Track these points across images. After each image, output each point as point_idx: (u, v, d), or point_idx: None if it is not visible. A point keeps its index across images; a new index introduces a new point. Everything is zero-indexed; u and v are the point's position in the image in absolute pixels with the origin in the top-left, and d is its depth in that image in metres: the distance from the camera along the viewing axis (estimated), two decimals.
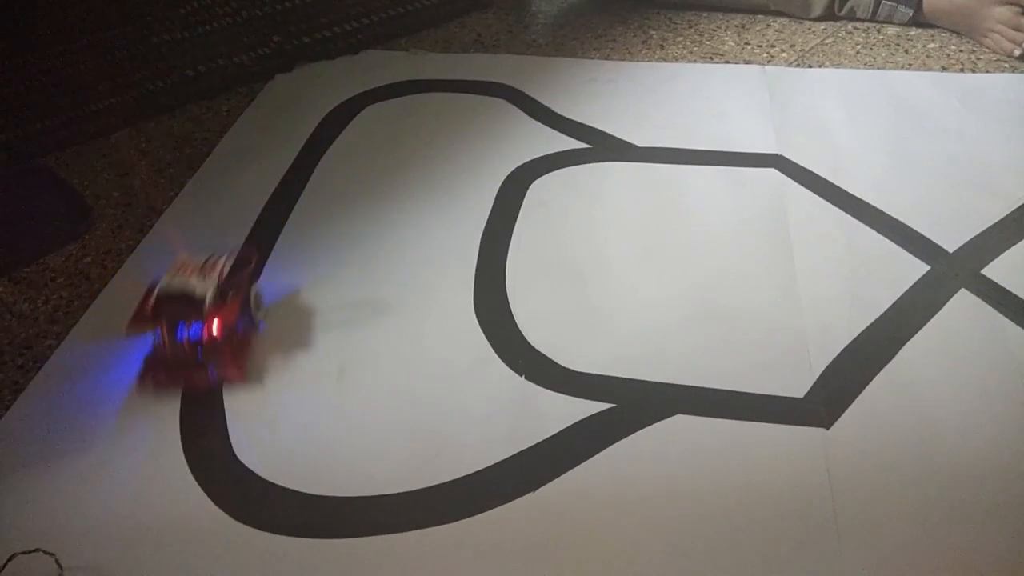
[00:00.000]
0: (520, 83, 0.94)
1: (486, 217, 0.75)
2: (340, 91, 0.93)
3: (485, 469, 0.54)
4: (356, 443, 0.56)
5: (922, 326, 0.62)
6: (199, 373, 0.59)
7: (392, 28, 1.05)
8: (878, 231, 0.71)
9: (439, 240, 0.73)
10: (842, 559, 0.48)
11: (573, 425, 0.57)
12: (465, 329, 0.64)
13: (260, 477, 0.54)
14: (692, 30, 1.04)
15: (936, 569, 0.47)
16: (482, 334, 0.64)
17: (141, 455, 0.56)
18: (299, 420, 0.58)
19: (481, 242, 0.72)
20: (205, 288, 0.58)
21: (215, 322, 0.58)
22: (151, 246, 0.73)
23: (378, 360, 0.62)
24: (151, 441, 0.56)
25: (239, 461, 0.55)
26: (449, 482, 0.53)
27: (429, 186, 0.79)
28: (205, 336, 0.58)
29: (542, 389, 0.60)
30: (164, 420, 0.58)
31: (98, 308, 0.68)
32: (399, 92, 0.93)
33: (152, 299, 0.59)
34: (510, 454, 0.55)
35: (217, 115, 0.91)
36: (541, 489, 0.53)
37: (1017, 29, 0.92)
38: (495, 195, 0.78)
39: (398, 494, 0.53)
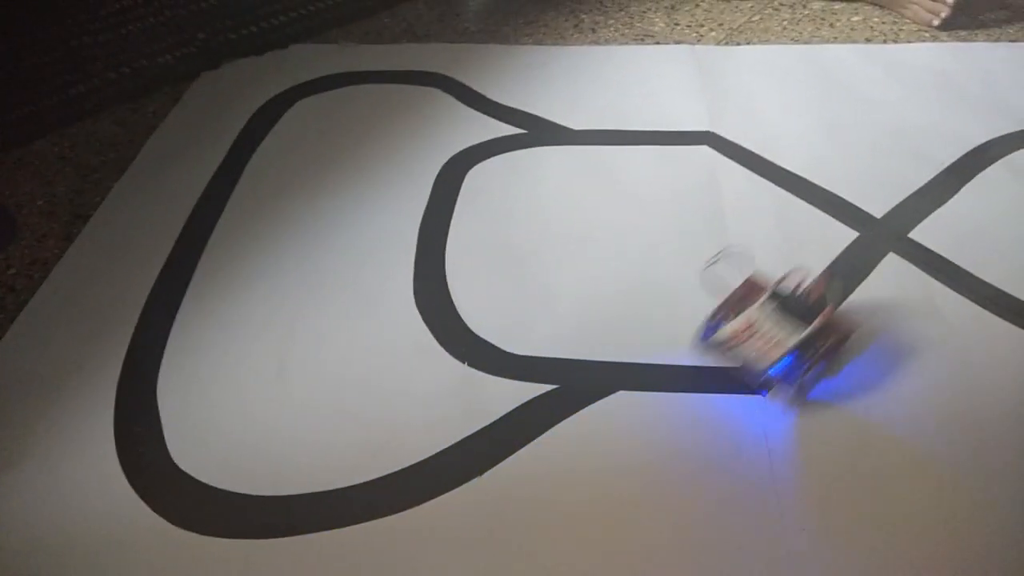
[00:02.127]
0: (453, 71, 0.93)
1: (424, 206, 0.74)
2: (270, 87, 0.91)
3: (430, 457, 0.54)
4: (298, 440, 0.55)
5: (853, 290, 0.63)
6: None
7: (321, 21, 1.03)
8: (808, 201, 0.72)
9: (377, 231, 0.72)
10: (782, 520, 0.49)
11: (517, 408, 0.57)
12: (405, 317, 0.64)
13: (200, 481, 0.53)
14: (623, 13, 1.04)
15: (870, 522, 0.49)
16: (423, 323, 0.63)
17: (74, 466, 0.54)
18: (238, 421, 0.57)
19: (420, 231, 0.72)
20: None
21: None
22: (79, 254, 0.71)
23: (318, 355, 0.61)
24: (84, 451, 0.55)
25: (177, 466, 0.54)
26: (394, 473, 0.53)
27: (365, 178, 0.78)
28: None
29: (485, 374, 0.59)
30: (97, 430, 0.56)
31: (25, 320, 0.65)
32: (331, 85, 0.92)
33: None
34: (455, 441, 0.55)
35: (143, 117, 0.89)
36: (487, 473, 0.53)
37: (935, 0, 0.95)
38: (432, 184, 0.77)
39: (343, 488, 0.52)
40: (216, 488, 0.52)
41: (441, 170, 0.79)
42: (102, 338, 0.63)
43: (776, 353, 0.53)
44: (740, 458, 0.53)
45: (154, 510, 0.51)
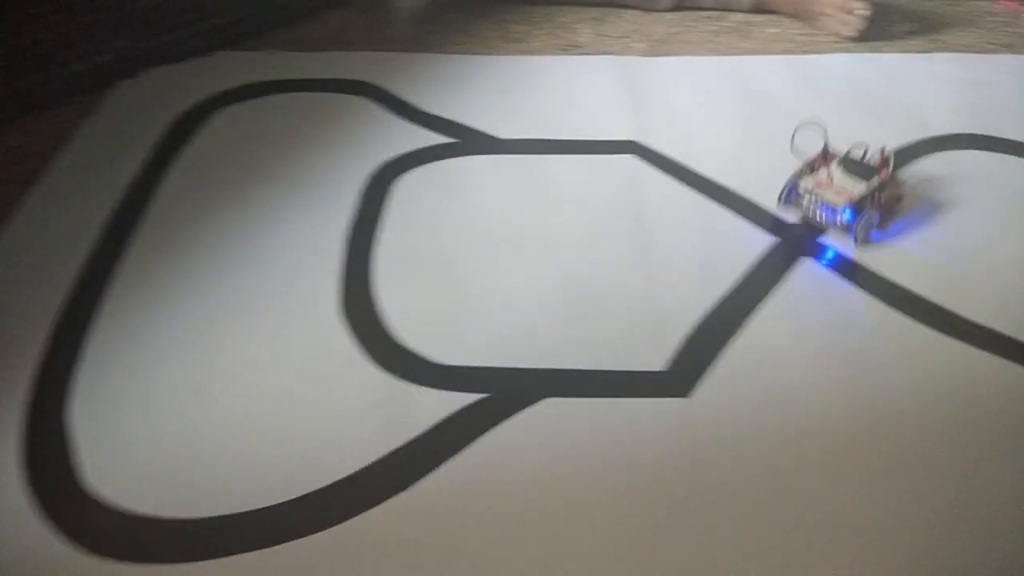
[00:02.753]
0: (381, 80, 0.92)
1: (351, 217, 0.74)
2: (190, 95, 0.89)
3: (356, 472, 0.53)
4: (218, 461, 0.54)
5: (770, 294, 0.65)
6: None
7: (244, 28, 1.01)
8: (728, 207, 0.74)
9: (301, 243, 0.71)
10: (706, 519, 0.50)
11: (445, 419, 0.57)
12: (331, 331, 0.63)
13: (115, 505, 0.51)
14: (550, 23, 1.05)
15: (793, 525, 0.50)
16: (350, 336, 0.62)
17: None
18: (155, 442, 0.55)
19: (346, 242, 0.71)
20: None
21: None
22: None
23: (240, 372, 0.60)
24: None
25: (90, 490, 0.52)
26: (319, 489, 0.52)
27: (289, 188, 0.77)
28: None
29: (415, 386, 0.59)
30: (2, 452, 0.53)
31: None
32: (254, 94, 0.90)
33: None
34: (383, 454, 0.54)
35: (55, 127, 0.85)
36: (415, 485, 0.52)
37: (847, 12, 0.99)
38: (360, 194, 0.76)
39: (266, 508, 0.51)
40: (132, 512, 0.50)
41: (369, 180, 0.78)
42: (9, 356, 0.60)
43: (843, 200, 0.68)
44: (666, 463, 0.53)
45: (65, 537, 0.49)
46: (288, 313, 0.64)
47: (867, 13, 0.98)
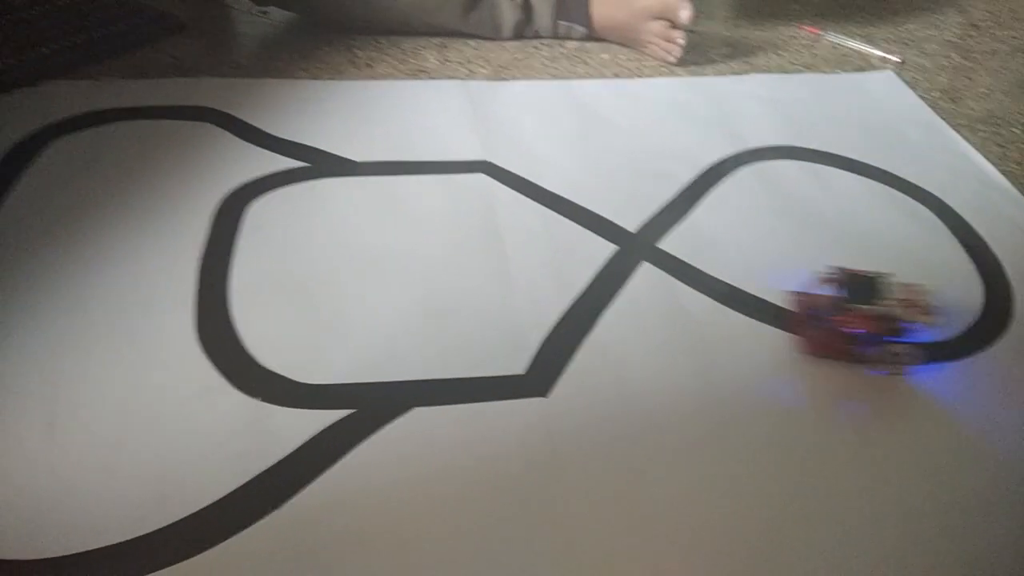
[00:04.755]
0: (226, 106, 0.91)
1: (203, 243, 0.72)
2: (19, 127, 0.84)
3: (223, 498, 0.53)
4: (74, 499, 0.52)
5: (615, 297, 0.70)
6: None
7: (75, 56, 0.97)
8: (573, 220, 0.79)
9: (151, 273, 0.69)
10: (566, 512, 0.54)
11: (312, 437, 0.57)
12: (188, 359, 0.62)
13: None
14: (396, 49, 1.08)
15: (650, 513, 0.54)
16: (208, 362, 0.62)
17: None
18: (3, 486, 0.52)
19: (199, 269, 0.70)
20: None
21: None
22: None
23: (92, 406, 0.57)
24: None
25: None
26: (182, 519, 0.51)
27: (134, 219, 0.74)
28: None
29: (279, 408, 0.59)
30: None
31: None
32: (91, 123, 0.86)
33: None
34: (249, 478, 0.54)
35: None
36: (285, 505, 0.53)
37: (669, 40, 1.08)
38: (210, 220, 0.75)
39: (125, 542, 0.50)
40: None
41: (219, 206, 0.77)
42: None
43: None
44: (528, 460, 0.57)
45: None
46: (142, 343, 0.62)
47: (684, 42, 1.07)
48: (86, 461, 0.54)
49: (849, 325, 0.64)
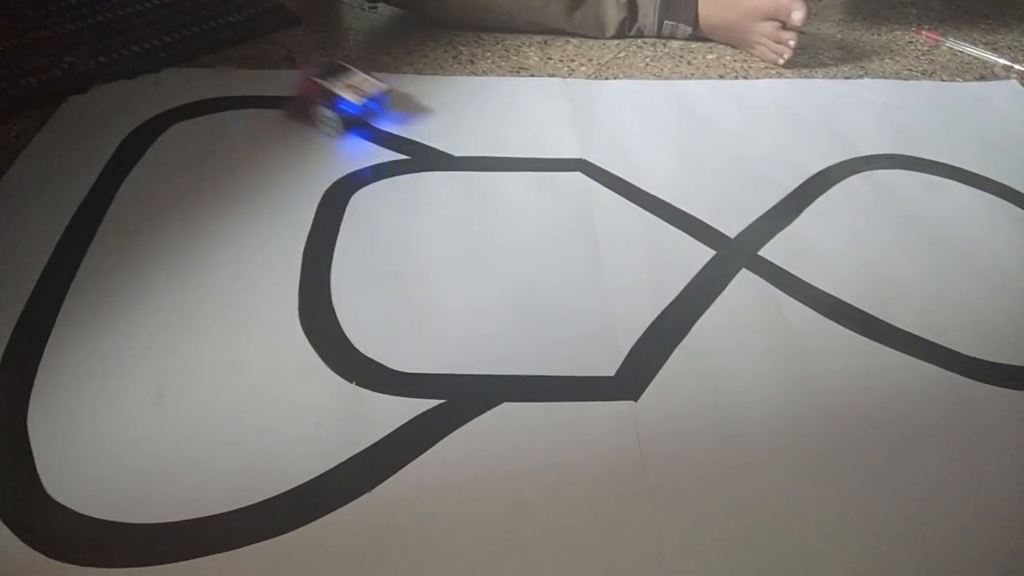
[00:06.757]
0: None
1: (307, 230, 0.75)
2: (142, 111, 0.89)
3: (317, 477, 0.54)
4: (177, 467, 0.54)
5: (711, 303, 0.69)
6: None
7: (196, 46, 1.02)
8: (670, 223, 0.78)
9: (258, 256, 0.72)
10: (655, 518, 0.53)
11: (404, 424, 0.58)
12: (291, 342, 0.64)
13: (76, 511, 0.51)
14: (499, 46, 1.09)
15: (739, 523, 0.53)
16: (309, 345, 0.64)
17: None
18: (114, 449, 0.55)
19: (303, 255, 0.72)
20: None
21: None
22: None
23: (198, 380, 0.60)
24: None
25: (51, 497, 0.52)
26: (279, 495, 0.53)
27: (245, 203, 0.78)
28: None
29: (373, 393, 0.61)
30: None
31: None
32: (207, 110, 0.90)
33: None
34: (342, 460, 0.56)
35: (5, 141, 0.84)
36: (376, 489, 0.54)
37: (778, 42, 1.05)
38: (315, 208, 0.78)
39: (226, 512, 0.52)
40: (93, 518, 0.51)
41: (324, 195, 0.79)
42: None
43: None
44: (616, 463, 0.56)
45: (28, 544, 0.49)
46: (247, 323, 0.65)
47: (795, 43, 1.04)
48: (189, 431, 0.57)
49: (303, 91, 0.87)
